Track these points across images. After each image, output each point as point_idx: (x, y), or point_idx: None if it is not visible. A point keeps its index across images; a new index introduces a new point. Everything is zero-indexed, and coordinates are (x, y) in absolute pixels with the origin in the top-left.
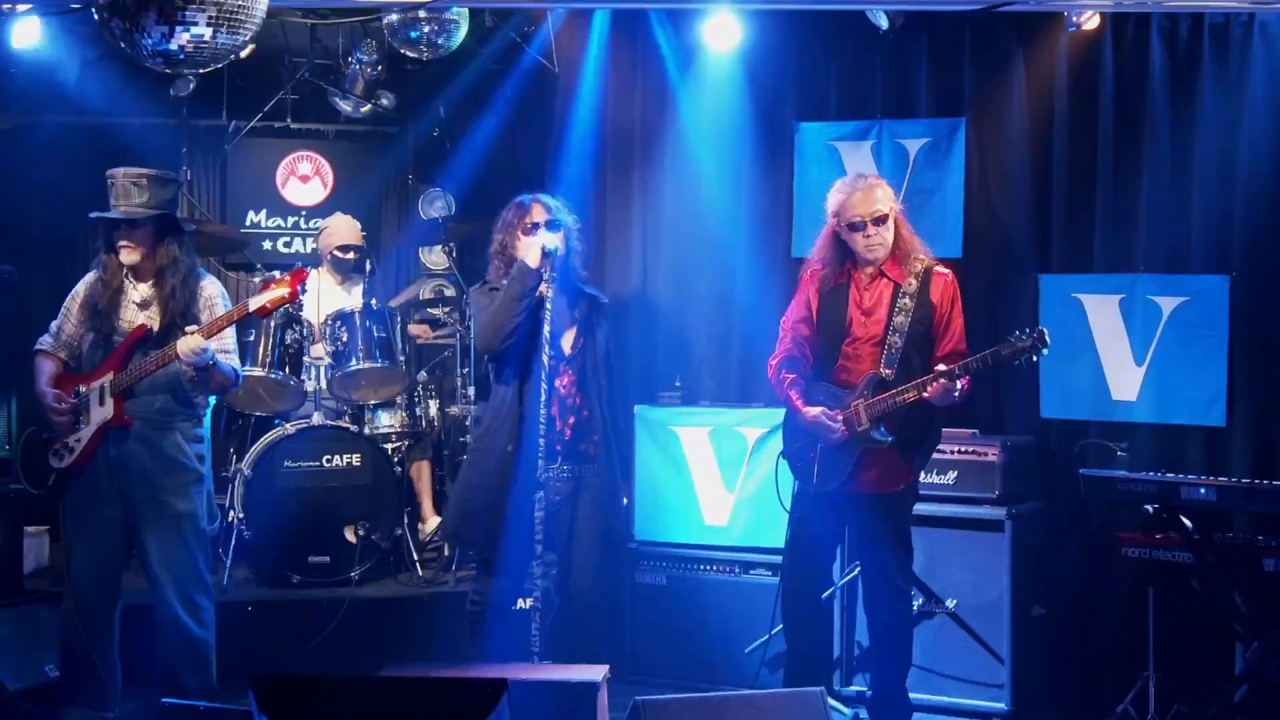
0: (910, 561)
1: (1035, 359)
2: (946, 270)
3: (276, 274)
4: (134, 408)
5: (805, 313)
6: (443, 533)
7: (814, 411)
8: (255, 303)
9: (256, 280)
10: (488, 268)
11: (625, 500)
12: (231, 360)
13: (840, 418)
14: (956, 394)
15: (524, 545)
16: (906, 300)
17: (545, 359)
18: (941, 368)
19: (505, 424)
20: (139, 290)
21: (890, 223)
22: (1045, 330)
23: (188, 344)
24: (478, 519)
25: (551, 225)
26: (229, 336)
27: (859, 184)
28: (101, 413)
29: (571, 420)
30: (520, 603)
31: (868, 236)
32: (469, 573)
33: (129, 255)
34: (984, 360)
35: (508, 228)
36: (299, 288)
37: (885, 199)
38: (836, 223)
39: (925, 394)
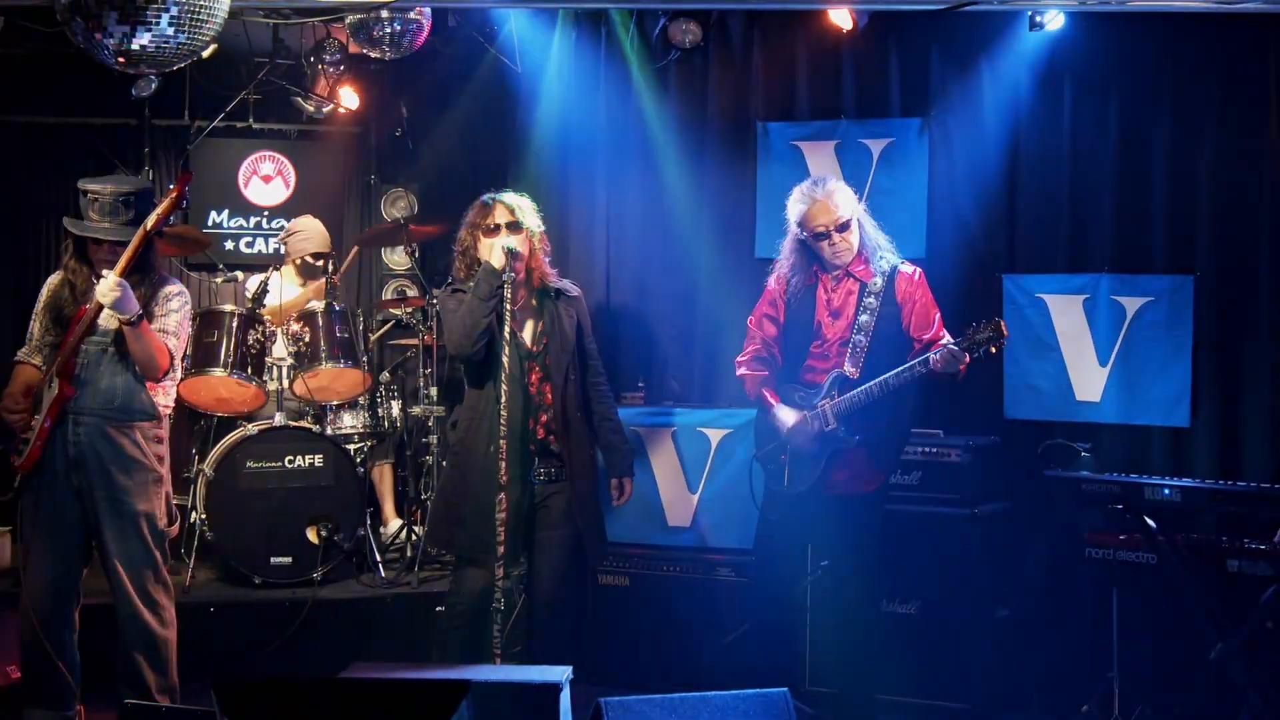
0: (881, 562)
1: (995, 350)
2: (912, 267)
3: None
4: (93, 404)
5: (772, 313)
6: (429, 539)
7: (787, 412)
8: (151, 220)
9: (219, 280)
10: (452, 267)
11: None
12: (169, 341)
13: (814, 425)
14: (962, 366)
15: (507, 545)
16: (872, 299)
17: (504, 359)
18: (941, 353)
19: (483, 426)
20: None
21: (854, 226)
22: (1001, 320)
23: (103, 285)
24: (465, 525)
25: (513, 226)
26: (170, 321)
27: (817, 192)
28: (50, 395)
29: (543, 418)
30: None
31: (833, 245)
32: (434, 574)
33: (108, 269)
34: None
35: (471, 228)
36: (184, 189)
37: (846, 204)
38: (800, 232)
39: (931, 366)
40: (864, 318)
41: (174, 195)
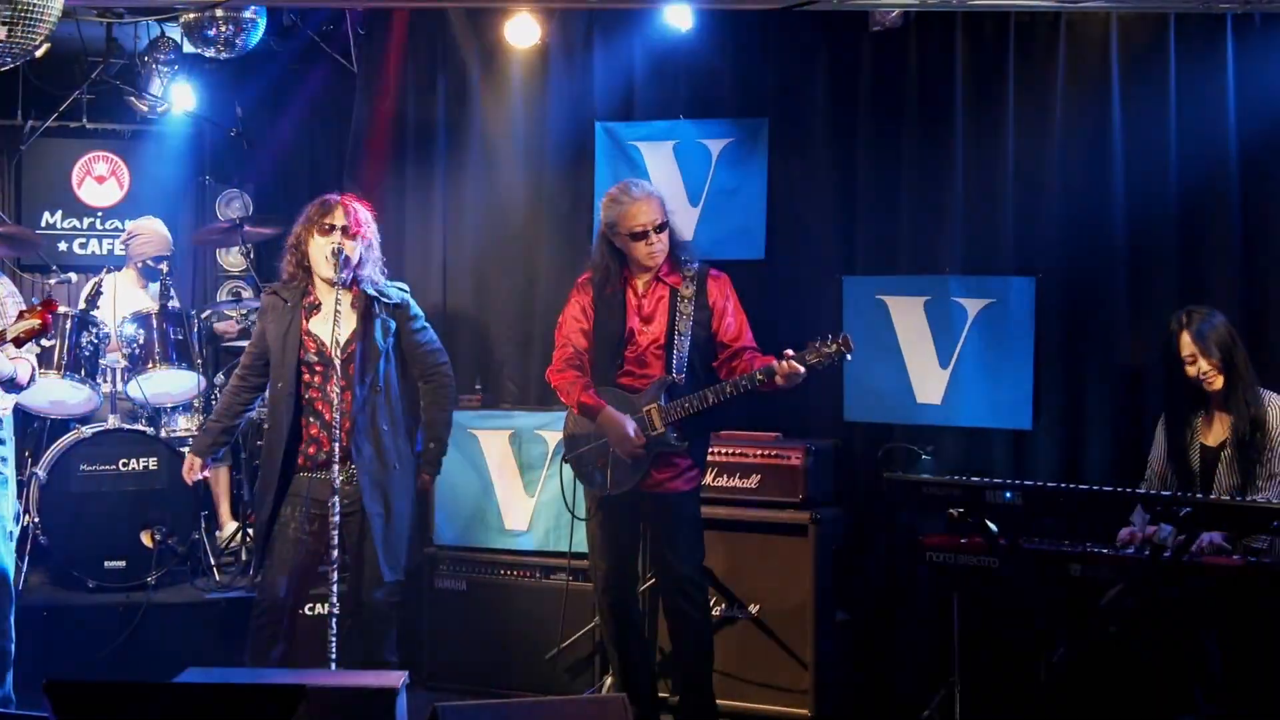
0: (703, 558)
1: (839, 365)
2: (719, 272)
3: (35, 300)
4: None
5: (583, 323)
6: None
7: (623, 419)
8: (11, 332)
9: (52, 282)
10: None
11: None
12: (29, 356)
13: (643, 440)
14: (802, 377)
15: (299, 550)
16: (686, 304)
17: (301, 364)
18: (790, 362)
19: (282, 428)
20: None
21: (667, 229)
22: (849, 335)
23: None
24: (265, 524)
25: (349, 230)
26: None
27: (635, 193)
28: None
29: (347, 425)
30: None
31: (650, 245)
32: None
33: None
34: (794, 366)
35: (307, 223)
36: (50, 319)
37: (662, 206)
38: (612, 232)
39: (777, 381)
40: (682, 323)
41: (36, 326)
